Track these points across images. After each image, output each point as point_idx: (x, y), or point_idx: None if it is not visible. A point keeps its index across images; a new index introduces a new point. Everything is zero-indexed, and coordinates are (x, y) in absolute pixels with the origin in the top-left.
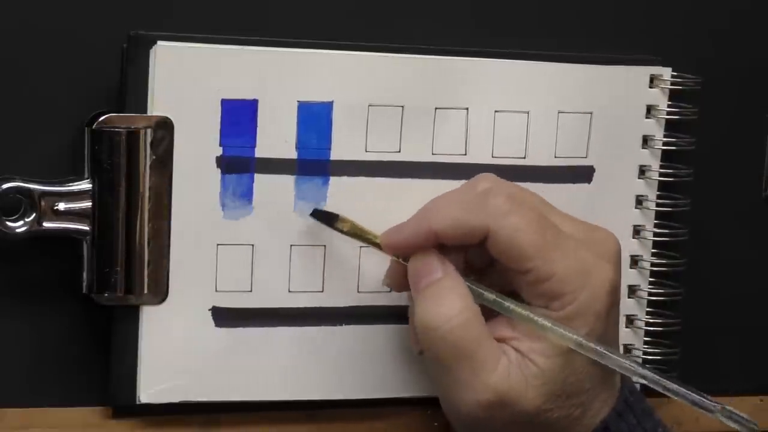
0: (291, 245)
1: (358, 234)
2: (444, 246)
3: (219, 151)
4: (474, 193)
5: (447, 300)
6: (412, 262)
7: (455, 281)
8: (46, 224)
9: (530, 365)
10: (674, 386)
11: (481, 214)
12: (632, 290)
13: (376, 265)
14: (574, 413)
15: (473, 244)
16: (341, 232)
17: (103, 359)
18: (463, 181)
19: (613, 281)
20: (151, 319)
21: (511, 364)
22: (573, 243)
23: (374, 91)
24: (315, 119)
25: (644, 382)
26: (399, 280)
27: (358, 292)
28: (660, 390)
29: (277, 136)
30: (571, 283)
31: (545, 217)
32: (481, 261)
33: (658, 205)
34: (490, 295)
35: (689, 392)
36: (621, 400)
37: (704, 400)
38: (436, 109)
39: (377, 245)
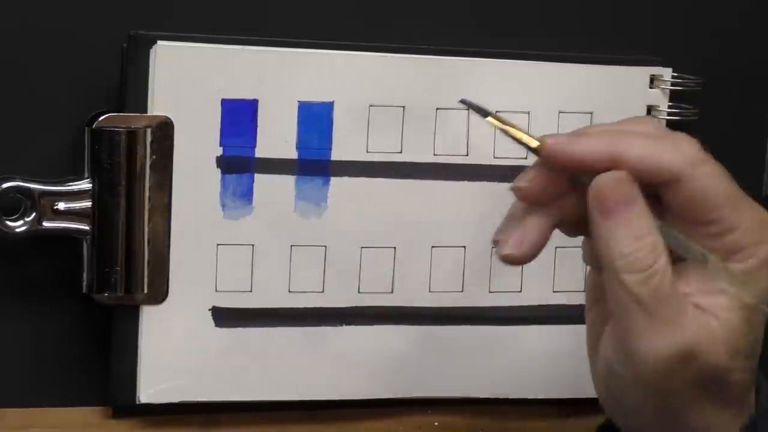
0: (291, 245)
1: (511, 132)
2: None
3: (219, 151)
4: (658, 133)
5: (648, 240)
6: (602, 181)
7: (651, 218)
8: (46, 224)
9: (713, 320)
10: None
11: (675, 156)
12: None
13: (377, 265)
14: (752, 377)
15: (645, 184)
16: (495, 126)
17: (103, 359)
18: (465, 182)
19: None
20: (151, 319)
21: (695, 317)
22: (750, 200)
23: (375, 92)
24: (315, 119)
25: None
26: (539, 190)
27: (359, 292)
28: None
29: (277, 136)
30: (754, 236)
31: (728, 174)
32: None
33: None
34: (680, 236)
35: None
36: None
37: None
38: (437, 109)
39: (532, 148)
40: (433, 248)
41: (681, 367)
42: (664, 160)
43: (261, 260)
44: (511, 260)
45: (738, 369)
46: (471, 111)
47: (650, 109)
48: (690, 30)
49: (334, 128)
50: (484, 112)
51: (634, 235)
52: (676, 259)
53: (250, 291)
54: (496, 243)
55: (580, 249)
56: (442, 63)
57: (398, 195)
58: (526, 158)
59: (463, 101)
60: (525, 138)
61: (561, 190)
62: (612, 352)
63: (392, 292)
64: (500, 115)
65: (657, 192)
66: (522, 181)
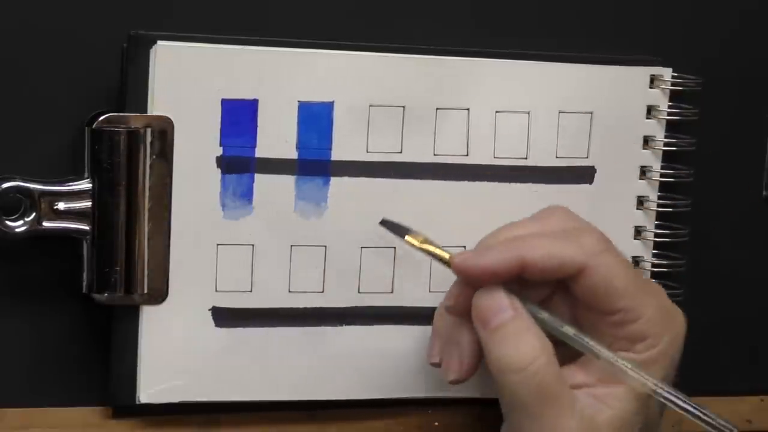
0: (291, 245)
1: (429, 251)
2: (523, 280)
3: (219, 151)
4: (560, 228)
5: (526, 341)
6: (478, 298)
7: (528, 320)
8: (46, 224)
9: (606, 410)
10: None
11: (576, 249)
12: None
13: (377, 265)
14: None
15: (550, 280)
16: (412, 246)
17: (103, 359)
18: (465, 183)
19: (685, 329)
20: (151, 319)
21: (585, 409)
22: (654, 286)
23: (375, 92)
24: (315, 119)
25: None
26: (464, 305)
27: (359, 292)
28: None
29: (277, 136)
30: (656, 326)
31: (629, 262)
32: (540, 301)
33: (659, 205)
34: (570, 330)
35: None
36: None
37: None
38: (437, 109)
39: (447, 264)
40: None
41: None
42: (566, 255)
43: (261, 260)
44: (458, 383)
45: None
46: (389, 228)
47: (650, 109)
48: (690, 30)
49: (334, 128)
50: (401, 232)
51: (512, 339)
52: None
53: (250, 291)
54: (435, 365)
55: None
56: (442, 63)
57: (398, 195)
58: (526, 158)
59: (383, 223)
60: (438, 253)
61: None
62: None
63: (392, 292)
64: (416, 233)
65: (567, 286)
66: (448, 301)
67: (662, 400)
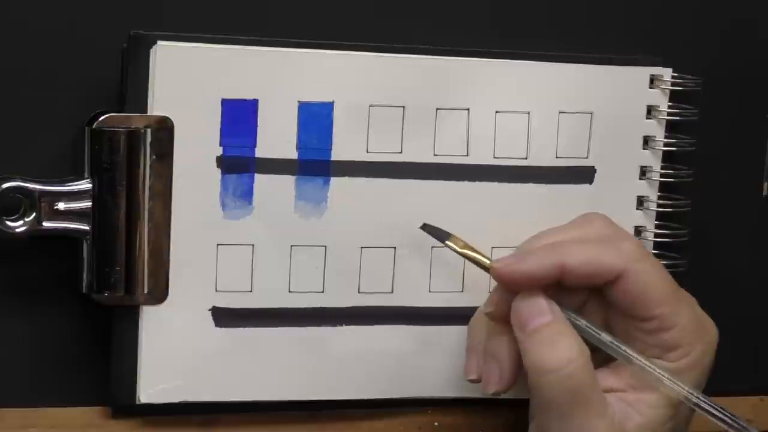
0: (291, 245)
1: (470, 256)
2: (563, 286)
3: (219, 151)
4: (599, 234)
5: (563, 343)
6: (518, 302)
7: (566, 324)
8: (46, 224)
9: (636, 416)
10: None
11: (615, 255)
12: None
13: (377, 265)
14: None
15: (590, 286)
16: (453, 250)
17: (103, 359)
18: (465, 183)
19: (716, 334)
20: (151, 319)
21: (615, 414)
22: (688, 299)
23: (375, 92)
24: (316, 119)
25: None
26: (504, 310)
27: (359, 292)
28: None
29: (277, 136)
30: (690, 336)
31: (666, 270)
32: (580, 301)
33: (659, 205)
34: (607, 337)
35: None
36: None
37: None
38: (437, 109)
39: (486, 269)
40: (433, 248)
41: None
42: (606, 261)
43: (261, 260)
44: (498, 395)
45: None
46: (430, 232)
47: (650, 110)
48: (690, 30)
49: (334, 128)
50: (442, 236)
51: (548, 341)
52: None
53: (250, 291)
54: (473, 381)
55: None
56: (442, 63)
57: (398, 195)
58: (526, 158)
59: (424, 227)
60: (479, 259)
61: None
62: None
63: (392, 292)
64: (457, 237)
65: (603, 292)
66: (488, 307)
67: (697, 409)
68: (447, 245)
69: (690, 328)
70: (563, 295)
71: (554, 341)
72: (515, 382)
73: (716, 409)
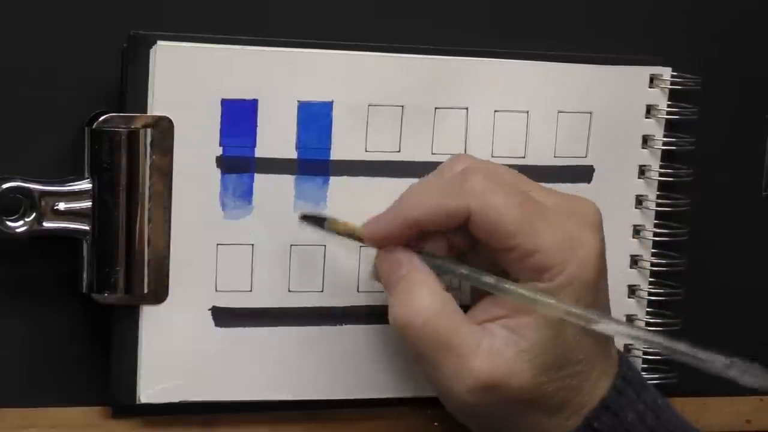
0: (291, 245)
1: (350, 233)
2: (426, 231)
3: (219, 151)
4: (450, 175)
5: (415, 294)
6: (377, 261)
7: (422, 273)
8: (46, 224)
9: (520, 341)
10: (674, 344)
11: (460, 196)
12: (632, 290)
13: None
14: (571, 383)
15: (454, 227)
16: (336, 233)
17: (103, 359)
18: None
19: (599, 249)
20: (151, 319)
21: (494, 344)
22: (555, 215)
23: (374, 91)
24: (315, 119)
25: (640, 345)
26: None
27: (358, 291)
28: (660, 350)
29: (277, 136)
30: (557, 255)
31: (524, 192)
32: (464, 242)
33: (658, 205)
34: (463, 270)
35: (691, 348)
36: (620, 376)
37: (710, 354)
38: (435, 108)
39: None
40: None
41: (487, 397)
42: (451, 206)
43: (261, 260)
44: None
45: (548, 381)
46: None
47: (650, 109)
48: (690, 29)
49: (333, 128)
50: (319, 221)
51: (405, 294)
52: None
53: (250, 291)
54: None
55: None
56: (440, 63)
57: (397, 194)
58: (524, 157)
59: (303, 218)
60: (359, 233)
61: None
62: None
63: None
64: (334, 218)
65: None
66: (372, 273)
67: (574, 321)
68: (327, 230)
69: (555, 247)
70: (454, 234)
71: (409, 294)
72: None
73: (595, 316)
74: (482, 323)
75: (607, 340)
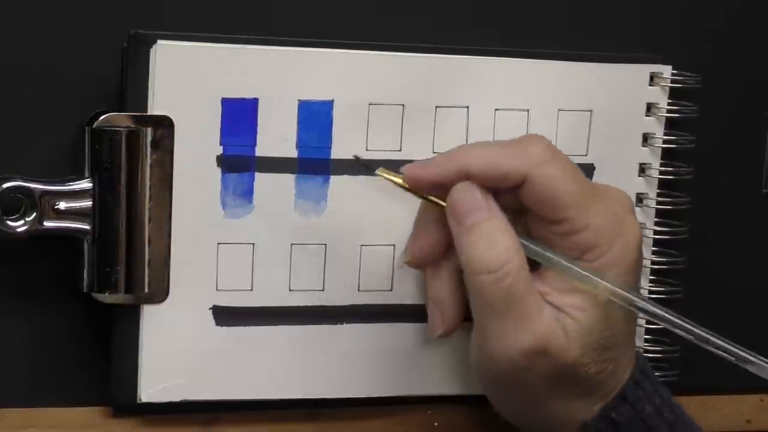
0: (291, 244)
1: (390, 178)
2: None
3: (219, 150)
4: (509, 140)
5: (500, 242)
6: (453, 195)
7: (503, 221)
8: (47, 223)
9: (567, 319)
10: (712, 337)
11: (520, 159)
12: None
13: (377, 263)
14: (608, 368)
15: (503, 188)
16: (385, 178)
17: (104, 359)
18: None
19: (640, 235)
20: (152, 318)
21: (552, 314)
22: (605, 197)
23: (375, 90)
24: (315, 118)
25: (679, 331)
26: (420, 255)
27: (359, 290)
28: (693, 339)
29: (277, 135)
30: (605, 234)
31: (580, 170)
32: (509, 207)
33: (658, 203)
34: (529, 244)
35: (728, 343)
36: (638, 369)
37: (748, 355)
38: (436, 107)
39: (404, 186)
40: None
41: (534, 362)
42: (509, 165)
43: (261, 259)
44: (446, 336)
45: (591, 363)
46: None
47: (650, 107)
48: (690, 28)
49: (334, 127)
50: (371, 168)
51: (485, 239)
52: None
53: (251, 290)
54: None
55: None
56: (441, 61)
57: (398, 193)
58: None
59: (355, 158)
60: (395, 179)
61: (442, 245)
62: (475, 351)
63: (392, 290)
64: (382, 168)
65: (517, 195)
66: (406, 256)
67: (628, 306)
68: (378, 174)
69: (605, 227)
70: (500, 197)
71: (492, 239)
72: (460, 321)
73: (641, 301)
74: None
75: (634, 330)
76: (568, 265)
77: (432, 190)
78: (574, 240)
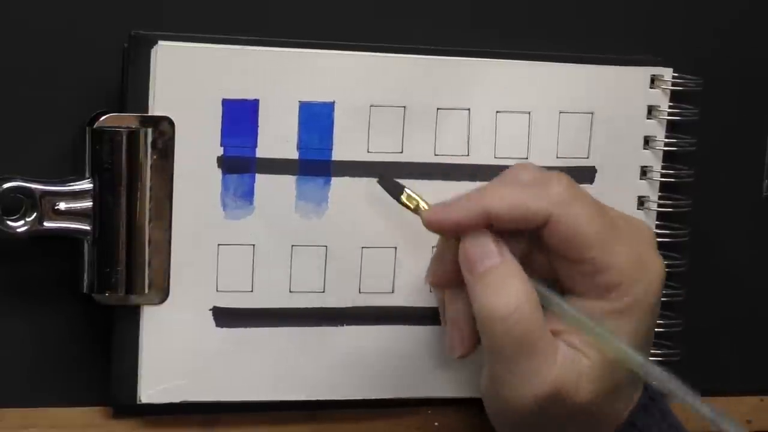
0: (292, 245)
1: (413, 207)
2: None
3: (220, 151)
4: (529, 178)
5: (511, 288)
6: (465, 244)
7: (515, 267)
8: (47, 224)
9: (583, 359)
10: (702, 406)
11: (543, 199)
12: None
13: (378, 265)
14: (619, 406)
15: (522, 230)
16: (407, 207)
17: (104, 359)
18: (466, 182)
19: (664, 273)
20: (152, 319)
21: (567, 356)
22: (626, 233)
23: (376, 92)
24: (316, 119)
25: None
26: (443, 276)
27: (359, 292)
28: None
29: (278, 136)
30: (628, 275)
31: (603, 208)
32: (523, 249)
33: (659, 205)
34: (545, 292)
35: (722, 416)
36: (646, 395)
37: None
38: (437, 109)
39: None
40: (434, 248)
41: (549, 407)
42: (532, 205)
43: (262, 260)
44: (465, 357)
45: (605, 403)
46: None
47: (651, 110)
48: (691, 30)
49: (335, 128)
50: (397, 190)
51: (496, 286)
52: None
53: (251, 291)
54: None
55: None
56: (442, 63)
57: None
58: (526, 158)
59: (380, 177)
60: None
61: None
62: (486, 391)
63: (393, 292)
64: (409, 194)
65: (539, 235)
66: (429, 277)
67: (623, 361)
68: (400, 201)
69: (627, 267)
70: (506, 239)
71: (502, 286)
72: (477, 343)
73: (653, 367)
74: None
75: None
76: (579, 317)
77: (454, 233)
78: (597, 280)
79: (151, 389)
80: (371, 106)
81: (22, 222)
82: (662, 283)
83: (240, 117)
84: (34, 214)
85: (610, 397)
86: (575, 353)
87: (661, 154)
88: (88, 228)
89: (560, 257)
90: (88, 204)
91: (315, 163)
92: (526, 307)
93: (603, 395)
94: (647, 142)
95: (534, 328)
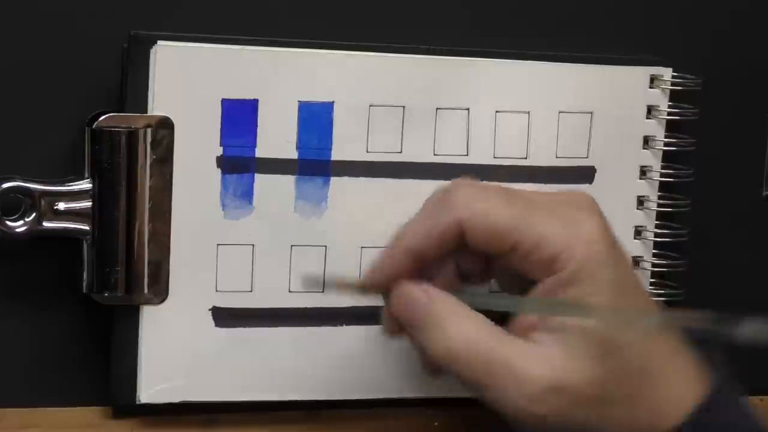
0: (291, 245)
1: (354, 289)
2: (429, 261)
3: (219, 151)
4: (436, 199)
5: (447, 323)
6: (393, 301)
7: (443, 301)
8: (47, 224)
9: (565, 336)
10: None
11: (448, 211)
12: None
13: None
14: (632, 372)
15: (453, 247)
16: (347, 290)
17: (103, 359)
18: None
19: (600, 225)
20: (152, 319)
21: (542, 348)
22: (547, 205)
23: (375, 92)
24: (316, 119)
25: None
26: (398, 323)
27: None
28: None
29: (277, 136)
30: (560, 240)
31: (511, 192)
32: (474, 264)
33: (659, 205)
34: (479, 298)
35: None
36: (714, 388)
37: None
38: (437, 109)
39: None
40: None
41: (555, 404)
42: (440, 227)
43: (261, 260)
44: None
45: (610, 370)
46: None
47: (650, 109)
48: (690, 30)
49: (334, 128)
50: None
51: (436, 329)
52: None
53: (251, 291)
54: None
55: None
56: (442, 63)
57: (398, 195)
58: (526, 158)
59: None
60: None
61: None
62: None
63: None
64: (339, 279)
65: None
66: (385, 331)
67: (599, 319)
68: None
69: (557, 235)
70: (458, 262)
71: (439, 325)
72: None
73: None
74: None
75: (677, 345)
76: (538, 306)
77: (387, 285)
78: (534, 259)
79: (151, 389)
80: (370, 105)
81: (21, 222)
82: (604, 231)
83: (239, 117)
84: (34, 214)
85: (618, 364)
86: (554, 335)
87: (660, 153)
88: (87, 228)
89: (497, 257)
90: (87, 204)
91: (314, 163)
92: (474, 336)
93: (605, 363)
94: (647, 141)
95: (492, 345)
